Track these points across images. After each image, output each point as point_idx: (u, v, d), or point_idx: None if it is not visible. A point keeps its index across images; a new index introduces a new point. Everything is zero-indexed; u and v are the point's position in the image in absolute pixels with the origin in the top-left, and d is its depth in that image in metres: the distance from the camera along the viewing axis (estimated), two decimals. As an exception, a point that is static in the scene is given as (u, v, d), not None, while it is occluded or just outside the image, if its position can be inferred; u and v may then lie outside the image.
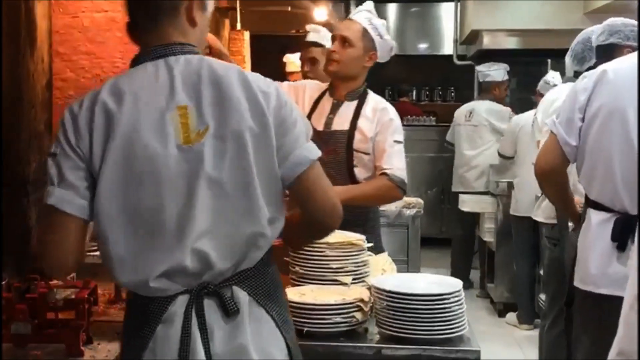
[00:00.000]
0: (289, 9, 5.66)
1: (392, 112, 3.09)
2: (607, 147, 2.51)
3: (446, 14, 9.85)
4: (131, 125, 1.67)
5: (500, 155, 6.25)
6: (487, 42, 7.36)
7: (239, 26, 5.40)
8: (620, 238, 2.49)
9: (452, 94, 10.38)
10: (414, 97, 10.53)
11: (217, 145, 1.70)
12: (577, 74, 4.10)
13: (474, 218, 6.88)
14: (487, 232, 6.45)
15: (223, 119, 1.71)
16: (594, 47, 3.46)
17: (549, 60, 7.60)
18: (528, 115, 5.78)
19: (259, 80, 1.77)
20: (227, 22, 5.44)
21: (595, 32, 3.45)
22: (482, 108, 6.88)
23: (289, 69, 6.08)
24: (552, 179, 2.73)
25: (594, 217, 2.59)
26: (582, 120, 2.58)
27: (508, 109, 6.86)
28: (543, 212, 4.89)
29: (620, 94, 2.49)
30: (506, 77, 6.85)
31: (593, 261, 2.57)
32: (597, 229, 2.57)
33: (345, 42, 3.08)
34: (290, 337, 1.81)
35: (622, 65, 2.57)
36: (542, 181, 2.84)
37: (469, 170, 6.94)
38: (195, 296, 1.72)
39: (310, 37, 4.21)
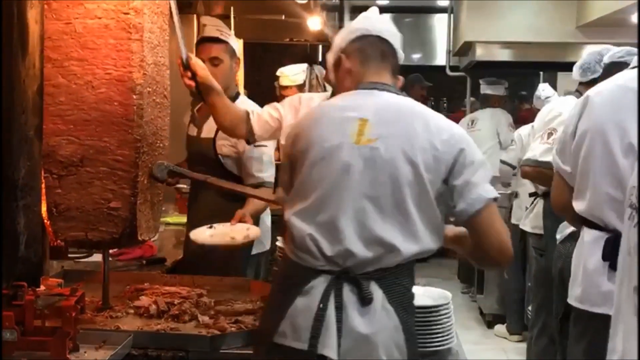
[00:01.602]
0: (283, 17, 5.67)
1: None
2: (592, 169, 2.54)
3: (439, 25, 9.89)
4: (325, 125, 2.17)
5: (506, 163, 6.20)
6: (480, 53, 7.38)
7: (232, 34, 5.40)
8: (612, 257, 2.50)
9: (445, 104, 10.42)
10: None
11: (380, 153, 2.06)
12: (580, 85, 4.14)
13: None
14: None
15: (393, 138, 2.08)
16: (604, 62, 3.51)
17: (542, 73, 7.63)
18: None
19: (441, 124, 2.15)
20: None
21: (611, 50, 3.50)
22: (485, 115, 7.00)
23: (282, 82, 6.05)
24: (569, 212, 2.72)
25: (587, 235, 2.60)
26: (573, 147, 2.63)
27: (509, 116, 6.95)
28: (530, 222, 4.92)
29: (602, 116, 2.53)
30: (505, 93, 6.95)
31: (587, 279, 2.58)
32: (589, 247, 2.58)
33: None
34: (412, 348, 2.03)
35: (605, 87, 2.61)
36: (560, 214, 2.90)
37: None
38: (337, 279, 2.01)
39: (210, 32, 3.61)
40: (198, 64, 2.84)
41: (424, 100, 8.60)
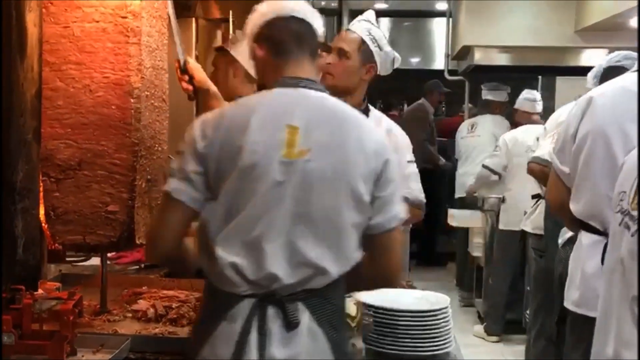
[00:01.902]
0: (282, 21, 5.66)
1: (397, 130, 2.97)
2: (593, 171, 2.54)
3: (438, 29, 9.91)
4: (247, 135, 1.88)
5: (489, 169, 6.22)
6: (479, 57, 7.39)
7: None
8: None
9: (443, 108, 10.42)
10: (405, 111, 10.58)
11: (313, 168, 1.88)
12: None
13: (462, 232, 6.91)
14: (476, 247, 6.47)
15: (326, 149, 1.90)
16: (602, 66, 3.51)
17: (540, 77, 7.64)
18: (521, 130, 5.84)
19: (371, 129, 2.02)
20: (219, 33, 5.43)
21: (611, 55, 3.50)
22: (486, 120, 7.01)
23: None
24: (564, 211, 2.73)
25: (585, 239, 2.60)
26: (573, 148, 2.61)
27: (509, 124, 6.95)
28: (531, 222, 4.94)
29: (605, 119, 2.52)
30: (507, 99, 6.95)
31: (585, 283, 2.57)
32: (587, 251, 2.57)
33: (341, 53, 2.92)
34: None
35: (608, 89, 2.60)
36: (556, 216, 2.89)
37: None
38: (261, 302, 1.87)
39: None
40: (195, 67, 2.82)
41: (440, 105, 8.58)
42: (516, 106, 6.30)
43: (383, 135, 2.07)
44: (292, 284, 1.87)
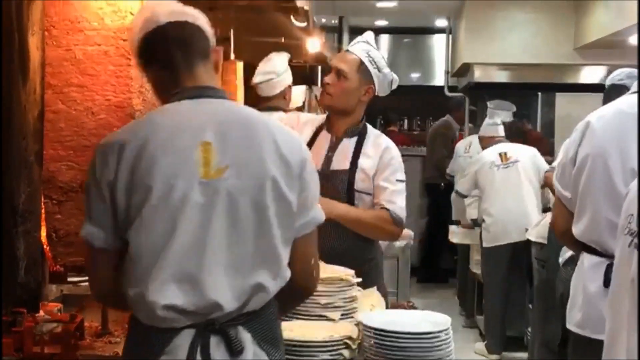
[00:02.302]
0: (282, 40, 5.69)
1: (394, 150, 2.97)
2: (593, 193, 2.54)
3: (438, 45, 9.94)
4: (157, 158, 1.70)
5: (458, 193, 6.30)
6: (478, 75, 7.42)
7: (232, 56, 5.43)
8: None
9: (444, 124, 10.44)
10: (406, 127, 10.58)
11: (236, 185, 1.73)
12: None
13: (463, 249, 6.91)
14: (476, 264, 6.47)
15: (245, 162, 1.75)
16: (606, 84, 3.51)
17: (540, 94, 7.67)
18: (490, 151, 5.92)
19: (285, 132, 1.85)
20: (220, 52, 5.45)
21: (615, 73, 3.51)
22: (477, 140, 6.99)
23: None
24: (569, 239, 2.71)
25: (587, 260, 2.59)
26: (573, 172, 2.61)
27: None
28: (537, 232, 4.97)
29: (604, 141, 2.52)
30: (511, 119, 6.89)
31: (588, 305, 2.56)
32: (590, 272, 2.57)
33: (340, 74, 2.93)
34: None
35: (605, 112, 2.61)
36: (563, 243, 2.86)
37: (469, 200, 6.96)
38: (202, 332, 1.74)
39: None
40: None
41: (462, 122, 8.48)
42: (480, 134, 6.34)
43: (296, 134, 1.91)
44: (234, 310, 1.75)
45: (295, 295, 1.97)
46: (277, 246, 1.78)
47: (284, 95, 4.55)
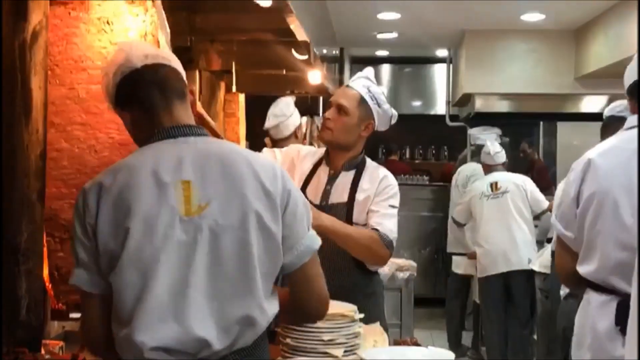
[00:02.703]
0: (284, 72, 5.72)
1: (391, 179, 2.99)
2: (601, 232, 2.50)
3: (439, 74, 9.99)
4: (137, 197, 1.72)
5: (454, 220, 6.35)
6: (480, 105, 7.45)
7: (234, 89, 5.46)
8: (624, 321, 2.44)
9: (446, 153, 10.46)
10: (407, 156, 10.60)
11: (218, 221, 1.74)
12: None
13: (467, 279, 6.88)
14: (477, 294, 6.45)
15: (226, 198, 1.76)
16: (605, 115, 3.51)
17: (541, 123, 7.69)
18: (482, 181, 5.95)
19: (265, 164, 1.86)
20: (222, 84, 5.49)
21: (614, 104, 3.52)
22: (467, 169, 7.02)
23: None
24: (576, 279, 2.64)
25: (594, 298, 2.54)
26: (576, 212, 2.57)
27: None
28: (540, 262, 4.97)
29: (609, 179, 2.50)
30: (498, 141, 6.92)
31: (597, 345, 2.50)
32: (598, 311, 2.51)
33: (341, 109, 2.95)
34: None
35: (605, 148, 2.58)
36: (569, 286, 2.82)
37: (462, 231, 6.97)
38: None
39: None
40: None
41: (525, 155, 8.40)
42: (481, 160, 6.37)
43: (278, 166, 1.90)
44: (222, 349, 1.74)
45: (308, 319, 2.06)
46: (262, 280, 1.77)
47: (296, 134, 4.82)
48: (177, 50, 4.65)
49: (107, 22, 2.43)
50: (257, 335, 1.79)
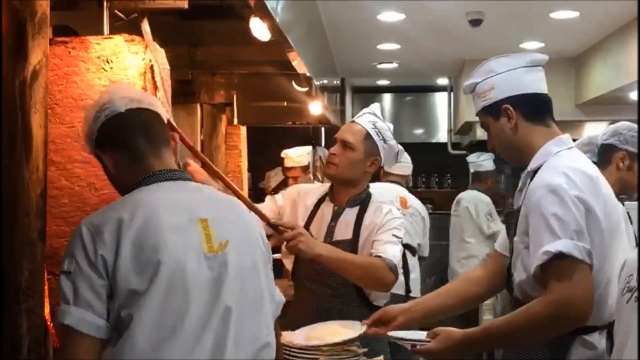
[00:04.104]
0: (285, 103, 5.75)
1: (394, 212, 3.00)
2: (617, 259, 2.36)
3: (440, 102, 10.02)
4: (162, 233, 1.75)
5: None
6: (481, 133, 7.45)
7: (235, 121, 5.48)
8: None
9: (449, 180, 10.45)
10: (411, 184, 10.60)
11: (237, 258, 1.85)
12: None
13: (472, 309, 6.83)
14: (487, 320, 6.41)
15: (240, 237, 1.88)
16: (599, 143, 3.50)
17: (543, 149, 7.67)
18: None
19: (252, 216, 2.04)
20: (224, 117, 5.52)
21: (602, 131, 3.51)
22: (466, 197, 7.00)
23: (287, 164, 6.17)
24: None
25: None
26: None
27: (490, 207, 6.86)
28: None
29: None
30: (492, 167, 6.91)
31: None
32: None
33: (346, 145, 2.96)
34: None
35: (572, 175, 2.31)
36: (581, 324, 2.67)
37: (459, 261, 6.92)
38: None
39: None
40: (196, 170, 2.86)
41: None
42: None
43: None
44: None
45: None
46: (270, 314, 1.93)
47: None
48: (178, 83, 4.68)
49: (107, 61, 2.44)
50: (273, 355, 1.92)
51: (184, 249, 1.76)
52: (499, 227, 6.49)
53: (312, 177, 6.04)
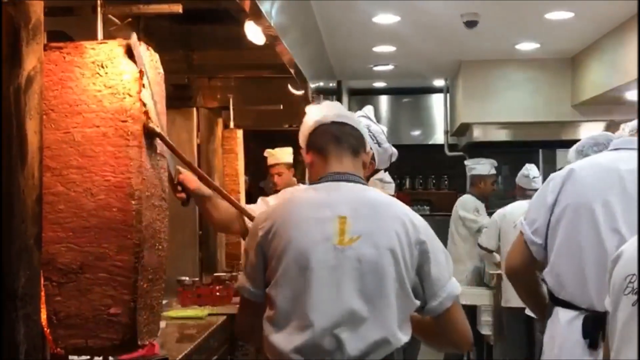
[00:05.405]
0: (281, 107, 5.75)
1: None
2: (575, 244, 2.52)
3: (437, 104, 10.02)
4: (301, 226, 2.15)
5: (481, 247, 6.25)
6: (478, 134, 7.47)
7: (232, 125, 5.48)
8: (592, 335, 2.48)
9: (446, 182, 10.45)
10: (408, 186, 10.59)
11: (363, 251, 2.10)
12: None
13: (470, 310, 6.82)
14: (485, 326, 6.39)
15: (371, 234, 2.12)
16: (599, 143, 3.51)
17: (541, 150, 7.69)
18: (511, 207, 5.85)
19: (410, 214, 2.22)
20: (220, 121, 5.51)
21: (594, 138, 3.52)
22: (459, 201, 6.98)
23: (270, 162, 6.13)
24: (520, 277, 2.76)
25: (562, 315, 2.57)
26: (549, 219, 2.60)
27: (477, 204, 6.84)
28: None
29: (587, 191, 2.52)
30: (493, 172, 6.88)
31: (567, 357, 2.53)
32: (566, 328, 2.54)
33: None
34: None
35: (589, 163, 2.62)
36: (510, 280, 2.87)
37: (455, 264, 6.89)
38: None
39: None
40: (188, 178, 2.86)
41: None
42: (516, 180, 6.32)
43: (421, 219, 2.24)
44: (354, 356, 2.05)
45: (453, 349, 2.54)
46: (392, 307, 2.10)
47: None
48: (174, 87, 4.68)
49: (102, 66, 2.43)
50: (385, 354, 2.10)
51: (316, 240, 2.12)
52: (485, 221, 6.47)
53: (294, 179, 6.00)
